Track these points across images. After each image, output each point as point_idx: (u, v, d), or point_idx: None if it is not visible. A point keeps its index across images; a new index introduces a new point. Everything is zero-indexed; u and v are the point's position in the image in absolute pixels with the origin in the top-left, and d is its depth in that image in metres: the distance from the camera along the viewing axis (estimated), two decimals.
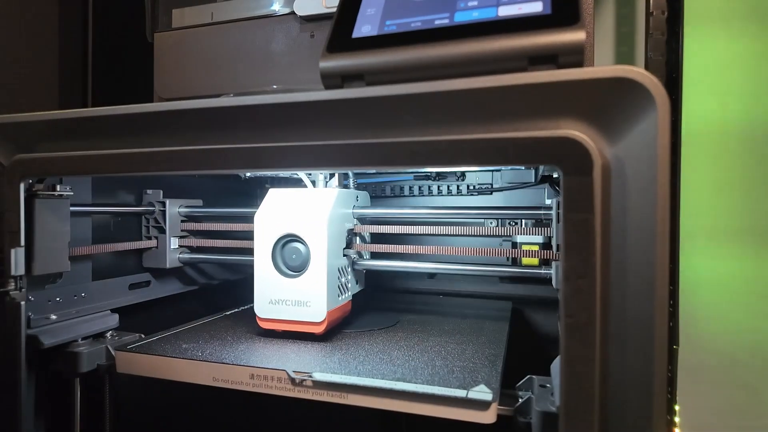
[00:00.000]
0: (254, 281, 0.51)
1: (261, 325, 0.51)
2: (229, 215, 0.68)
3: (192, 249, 0.65)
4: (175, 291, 0.66)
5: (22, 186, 0.41)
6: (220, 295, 0.74)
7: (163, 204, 0.62)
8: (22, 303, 0.41)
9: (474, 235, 0.56)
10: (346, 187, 0.62)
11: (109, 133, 0.39)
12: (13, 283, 0.41)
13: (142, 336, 0.50)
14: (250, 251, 0.62)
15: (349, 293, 0.56)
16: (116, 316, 0.51)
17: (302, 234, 0.49)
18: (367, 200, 0.64)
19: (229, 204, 0.75)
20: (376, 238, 0.62)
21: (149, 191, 0.62)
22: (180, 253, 0.64)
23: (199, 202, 0.67)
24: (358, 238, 0.59)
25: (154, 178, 0.63)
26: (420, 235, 0.57)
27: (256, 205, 0.55)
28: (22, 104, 0.74)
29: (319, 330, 0.49)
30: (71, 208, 0.47)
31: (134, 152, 0.38)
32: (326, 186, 0.60)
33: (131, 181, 0.61)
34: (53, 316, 0.46)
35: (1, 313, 0.41)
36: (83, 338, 0.47)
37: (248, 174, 0.74)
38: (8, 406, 0.41)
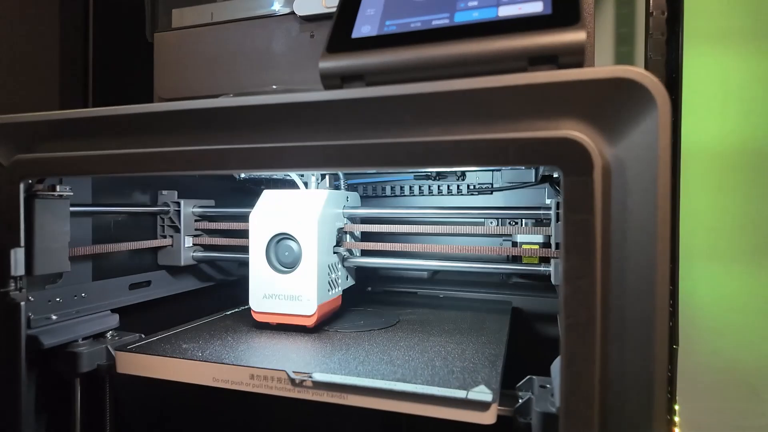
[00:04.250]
0: (249, 277, 0.53)
1: (256, 318, 0.53)
2: (242, 215, 0.69)
3: (205, 247, 0.67)
4: (190, 288, 0.68)
5: (21, 186, 0.41)
6: (238, 290, 0.75)
7: (178, 204, 0.64)
8: (22, 303, 0.41)
9: (468, 235, 0.57)
10: (336, 188, 0.64)
11: (109, 133, 0.38)
12: (13, 284, 0.41)
13: (143, 336, 0.50)
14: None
15: (340, 288, 0.58)
16: (116, 316, 0.51)
17: (294, 232, 0.52)
18: (357, 200, 0.66)
19: (241, 204, 0.76)
20: (371, 237, 0.63)
21: (164, 192, 0.64)
22: (194, 251, 0.66)
23: (212, 203, 0.68)
24: (348, 236, 0.61)
25: (169, 180, 0.65)
26: (413, 234, 0.59)
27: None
28: (22, 104, 0.73)
29: (310, 323, 0.51)
30: (71, 209, 0.47)
31: (134, 152, 0.38)
32: (318, 187, 0.61)
33: (146, 182, 0.63)
34: (53, 317, 0.46)
35: (1, 314, 0.41)
36: (83, 338, 0.47)
37: (242, 175, 0.75)
38: (8, 406, 0.41)
